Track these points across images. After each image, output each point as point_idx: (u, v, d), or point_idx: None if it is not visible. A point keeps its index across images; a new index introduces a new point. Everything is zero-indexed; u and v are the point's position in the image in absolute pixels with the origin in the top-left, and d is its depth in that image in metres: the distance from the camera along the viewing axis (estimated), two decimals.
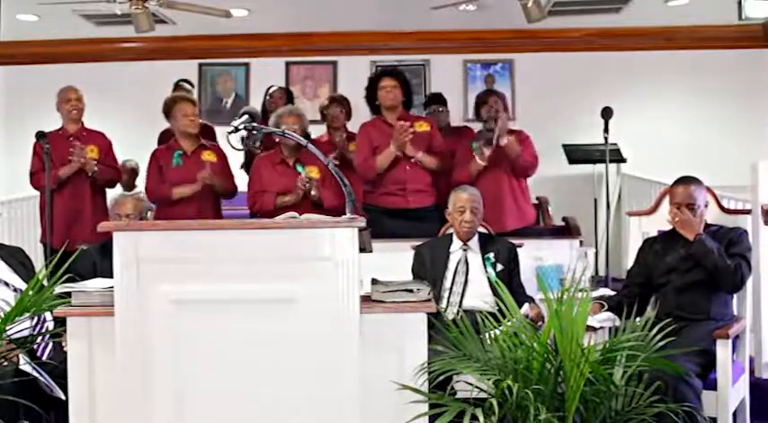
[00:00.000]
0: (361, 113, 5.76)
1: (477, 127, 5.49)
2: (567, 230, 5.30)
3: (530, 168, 4.79)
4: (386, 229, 4.67)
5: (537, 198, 6.53)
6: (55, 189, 4.82)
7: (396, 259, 3.82)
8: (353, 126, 5.50)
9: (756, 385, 3.74)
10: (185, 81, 6.42)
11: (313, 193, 4.44)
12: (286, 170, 4.58)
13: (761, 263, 3.98)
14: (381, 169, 4.73)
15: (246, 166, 5.57)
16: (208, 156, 4.79)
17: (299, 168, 4.53)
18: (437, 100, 5.82)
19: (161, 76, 7.42)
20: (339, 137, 5.03)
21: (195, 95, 6.36)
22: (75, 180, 4.88)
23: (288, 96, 5.91)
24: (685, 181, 3.50)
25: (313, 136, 5.59)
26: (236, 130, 2.84)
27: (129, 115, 7.33)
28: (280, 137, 4.53)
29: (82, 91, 5.08)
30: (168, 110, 4.81)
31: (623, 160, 7.05)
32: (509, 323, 2.62)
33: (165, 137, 5.62)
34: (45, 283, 2.77)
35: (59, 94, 5.03)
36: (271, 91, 5.98)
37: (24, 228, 6.25)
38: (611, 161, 5.53)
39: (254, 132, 2.90)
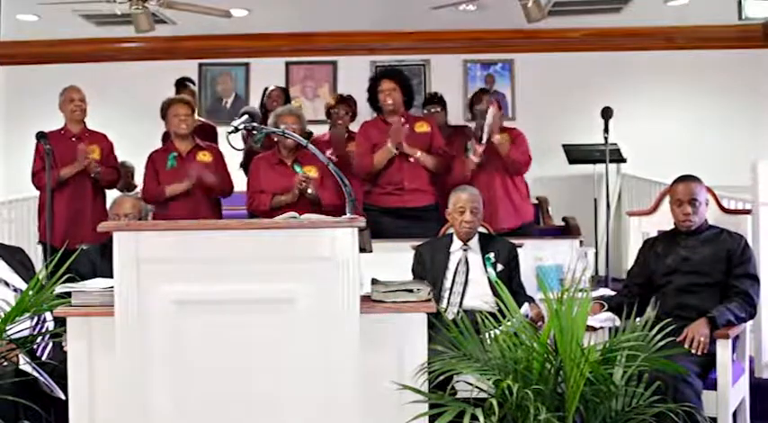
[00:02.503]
0: (362, 114, 5.77)
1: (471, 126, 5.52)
2: (567, 230, 5.31)
3: (521, 166, 4.78)
4: (384, 228, 4.69)
5: (537, 198, 6.54)
6: (56, 189, 4.80)
7: (396, 259, 3.82)
8: (355, 127, 5.52)
9: (756, 385, 3.74)
10: (187, 79, 6.43)
11: (309, 191, 4.44)
12: (284, 170, 4.58)
13: (761, 264, 3.97)
14: (378, 167, 4.76)
15: (245, 165, 5.57)
16: (203, 156, 4.80)
17: (297, 168, 4.54)
18: (432, 100, 5.78)
19: (162, 76, 7.44)
20: (338, 132, 4.95)
21: (196, 93, 6.39)
22: (76, 180, 4.87)
23: (285, 96, 5.91)
24: (686, 178, 3.51)
25: (315, 134, 5.62)
26: (237, 130, 2.84)
27: (129, 115, 7.34)
28: (279, 137, 4.53)
29: (86, 91, 5.08)
30: (164, 112, 4.86)
31: (623, 160, 7.05)
32: (509, 323, 2.62)
33: (167, 136, 5.64)
34: (45, 283, 2.77)
35: (62, 93, 5.03)
36: (269, 91, 5.99)
37: (24, 228, 6.24)
38: (611, 161, 5.54)
39: (255, 132, 2.90)
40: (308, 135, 5.34)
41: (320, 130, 5.74)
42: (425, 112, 5.66)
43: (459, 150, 4.84)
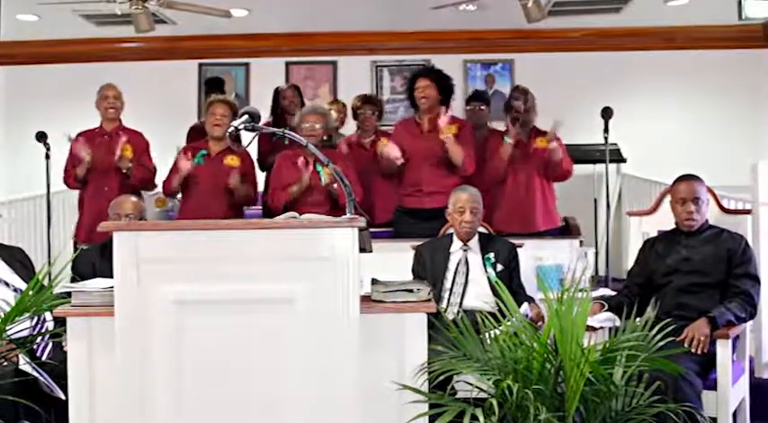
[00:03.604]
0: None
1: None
2: (567, 230, 5.29)
3: (567, 174, 4.84)
4: (403, 228, 4.74)
5: None
6: (82, 186, 4.95)
7: (396, 259, 3.82)
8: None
9: (756, 385, 3.74)
10: (217, 79, 6.45)
11: (335, 185, 4.45)
12: (306, 168, 4.57)
13: (761, 264, 3.97)
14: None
15: (260, 163, 5.55)
16: (231, 160, 4.76)
17: (319, 167, 4.53)
18: (478, 97, 5.77)
19: (163, 76, 7.46)
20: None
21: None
22: (102, 178, 4.88)
23: (299, 94, 5.89)
24: (688, 178, 3.52)
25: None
26: (237, 130, 2.84)
27: (129, 115, 7.32)
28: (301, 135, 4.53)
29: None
30: (206, 110, 4.88)
31: (623, 160, 7.05)
32: (509, 323, 2.62)
33: (192, 133, 5.66)
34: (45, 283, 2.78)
35: (98, 91, 5.05)
36: (282, 91, 5.93)
37: (24, 228, 6.25)
38: (611, 161, 5.54)
39: (254, 132, 2.89)
40: (329, 138, 5.37)
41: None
42: (469, 108, 5.64)
43: (494, 142, 4.82)
